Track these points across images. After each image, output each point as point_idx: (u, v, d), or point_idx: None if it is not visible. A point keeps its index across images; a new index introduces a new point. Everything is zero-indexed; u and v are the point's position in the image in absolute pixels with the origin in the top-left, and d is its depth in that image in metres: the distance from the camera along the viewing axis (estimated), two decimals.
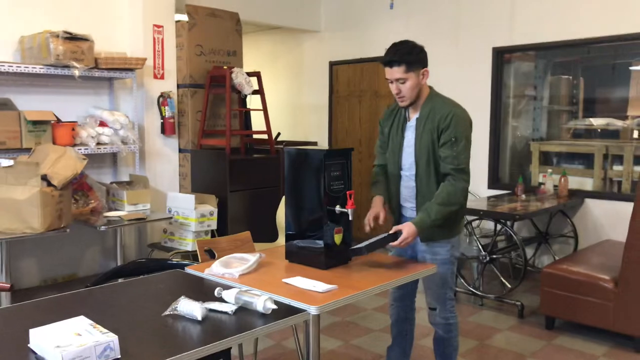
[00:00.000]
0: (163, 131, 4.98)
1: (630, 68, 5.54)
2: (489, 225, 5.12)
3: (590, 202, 4.93)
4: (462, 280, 4.57)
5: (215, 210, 4.58)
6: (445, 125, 2.55)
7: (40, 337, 1.62)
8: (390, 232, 2.52)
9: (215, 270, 2.39)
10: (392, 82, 2.59)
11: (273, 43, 7.31)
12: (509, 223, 4.53)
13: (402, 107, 2.67)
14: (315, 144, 6.85)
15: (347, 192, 2.48)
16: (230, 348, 2.47)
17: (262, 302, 1.95)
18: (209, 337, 1.77)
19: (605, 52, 5.41)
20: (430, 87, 2.70)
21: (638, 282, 3.46)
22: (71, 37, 4.10)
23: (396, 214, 2.81)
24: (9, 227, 3.47)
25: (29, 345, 1.65)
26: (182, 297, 1.97)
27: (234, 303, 1.99)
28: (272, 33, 7.08)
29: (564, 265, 3.93)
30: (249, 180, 4.98)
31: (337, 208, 2.48)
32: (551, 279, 3.86)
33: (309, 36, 6.91)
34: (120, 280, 2.52)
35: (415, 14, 5.85)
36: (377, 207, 2.72)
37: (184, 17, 5.13)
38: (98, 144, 4.38)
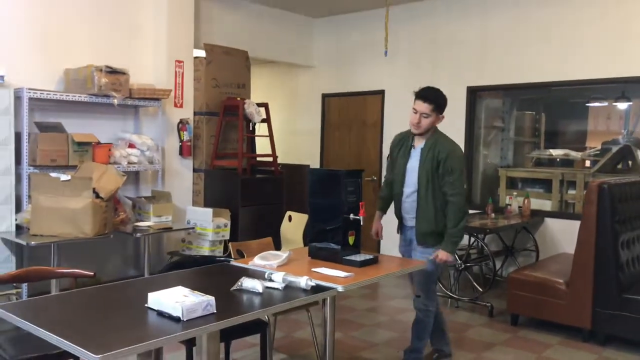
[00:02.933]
0: (181, 153, 5.65)
1: (587, 105, 6.45)
2: (463, 239, 5.90)
3: (549, 221, 5.76)
4: (441, 286, 5.31)
5: (229, 223, 5.25)
6: (442, 158, 3.32)
7: (156, 299, 2.28)
8: (431, 257, 3.37)
9: (257, 262, 3.08)
10: (415, 113, 3.34)
11: (271, 75, 8.07)
12: (481, 236, 5.30)
13: (414, 133, 3.41)
14: (307, 167, 7.57)
15: (360, 203, 3.21)
16: (267, 324, 3.17)
17: (304, 280, 2.65)
18: (268, 302, 2.47)
19: (564, 92, 6.32)
20: (435, 127, 3.46)
21: (584, 284, 4.24)
22: (111, 71, 4.78)
23: (399, 221, 3.59)
24: (64, 231, 4.09)
25: (145, 305, 2.31)
26: (244, 277, 2.66)
27: (281, 282, 2.69)
28: (270, 66, 7.84)
29: (527, 271, 4.71)
30: (256, 197, 5.68)
31: (352, 216, 3.21)
32: (516, 282, 4.63)
33: (303, 70, 7.70)
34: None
35: (400, 56, 6.68)
36: (377, 222, 3.64)
37: (201, 53, 5.86)
38: (129, 163, 5.03)
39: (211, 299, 2.26)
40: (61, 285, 4.31)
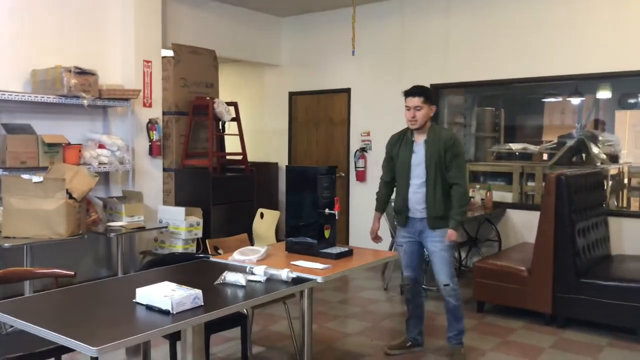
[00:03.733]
0: (151, 153, 5.67)
1: (544, 100, 6.75)
2: None
3: (510, 212, 6.02)
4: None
5: (201, 221, 5.31)
6: (449, 145, 3.57)
7: (144, 294, 2.36)
8: (446, 237, 3.60)
9: (237, 258, 3.17)
10: (409, 110, 3.57)
11: (237, 74, 8.12)
12: None
13: (413, 128, 3.61)
14: (276, 164, 7.68)
15: (335, 198, 3.34)
16: (247, 317, 3.26)
17: (285, 273, 2.76)
18: (252, 294, 2.57)
19: (522, 89, 6.59)
20: (430, 120, 3.67)
21: (544, 271, 4.48)
22: (81, 72, 4.77)
23: (403, 215, 3.71)
24: (38, 233, 4.08)
25: (134, 300, 2.38)
26: (226, 271, 2.75)
27: (263, 275, 2.79)
28: (237, 65, 7.89)
29: (491, 260, 4.94)
30: (227, 195, 5.75)
31: (327, 210, 3.33)
32: (481, 271, 4.84)
33: (270, 69, 7.78)
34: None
35: (365, 55, 6.83)
36: (375, 223, 3.82)
37: (169, 52, 5.88)
38: (99, 163, 5.03)
39: (199, 292, 2.35)
40: (34, 287, 4.31)
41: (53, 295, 2.63)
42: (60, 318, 2.25)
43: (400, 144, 3.74)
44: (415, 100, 3.57)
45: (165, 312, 2.24)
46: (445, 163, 3.60)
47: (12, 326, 4.25)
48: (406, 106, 3.60)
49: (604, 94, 6.23)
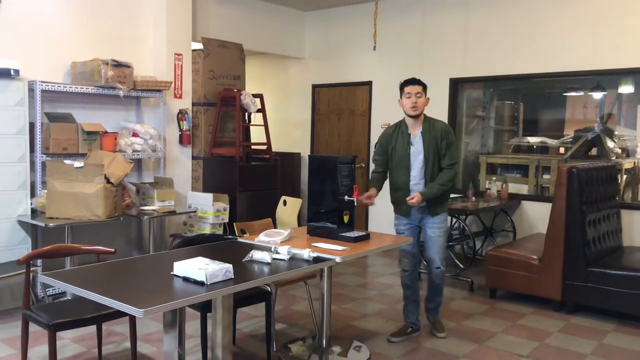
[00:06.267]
0: (181, 141, 5.97)
1: (565, 94, 6.87)
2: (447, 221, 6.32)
3: (525, 204, 6.19)
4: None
5: (228, 207, 5.60)
6: (445, 135, 3.82)
7: (181, 267, 2.64)
8: (407, 198, 3.76)
9: (262, 239, 3.44)
10: (410, 97, 3.81)
11: (262, 66, 8.38)
12: (462, 218, 5.71)
13: (414, 115, 3.83)
14: (299, 154, 7.94)
15: (354, 186, 3.59)
16: (271, 293, 3.53)
17: (307, 252, 3.03)
18: (276, 270, 2.84)
19: (542, 83, 6.72)
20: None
21: (555, 259, 4.67)
22: (117, 64, 5.07)
23: (405, 205, 3.88)
24: (78, 214, 4.41)
25: (171, 273, 2.66)
26: (253, 250, 3.03)
27: (287, 254, 3.05)
28: (262, 58, 8.15)
29: (504, 249, 5.13)
30: (253, 183, 6.03)
31: (346, 197, 3.58)
32: (494, 259, 5.05)
33: (294, 62, 8.03)
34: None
35: (386, 49, 7.04)
36: (371, 193, 3.92)
37: (199, 46, 6.16)
38: (133, 151, 5.34)
39: (229, 266, 2.62)
40: (73, 263, 4.65)
41: (99, 268, 2.94)
42: (108, 287, 2.54)
43: (396, 138, 3.94)
44: (417, 88, 3.82)
45: (200, 283, 2.51)
46: (442, 151, 3.85)
47: (53, 295, 4.61)
48: (407, 93, 3.83)
49: (627, 88, 6.32)
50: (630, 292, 4.32)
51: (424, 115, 3.93)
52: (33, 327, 3.08)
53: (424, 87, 3.86)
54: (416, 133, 3.89)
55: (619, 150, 6.26)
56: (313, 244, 3.33)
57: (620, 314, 4.46)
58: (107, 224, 4.95)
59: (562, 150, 6.88)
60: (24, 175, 4.61)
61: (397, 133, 3.95)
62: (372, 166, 7.14)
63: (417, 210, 3.93)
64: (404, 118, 3.97)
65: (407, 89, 3.84)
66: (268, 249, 3.12)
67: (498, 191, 6.20)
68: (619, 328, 4.32)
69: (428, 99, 3.90)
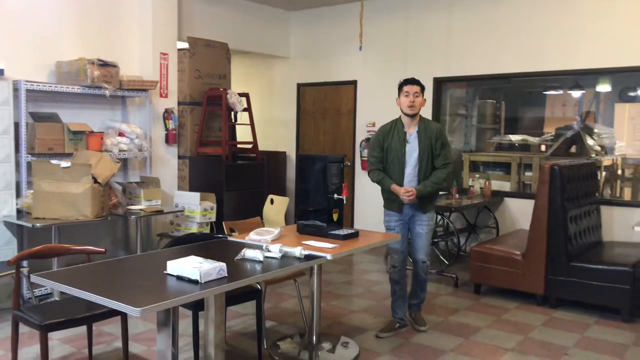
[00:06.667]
0: (167, 141, 5.96)
1: (545, 93, 7.00)
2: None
3: (508, 200, 6.31)
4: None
5: (215, 206, 5.61)
6: (440, 135, 3.93)
7: (175, 266, 2.66)
8: (403, 191, 3.87)
9: (253, 237, 3.48)
10: (408, 96, 3.90)
11: (248, 66, 8.39)
12: (446, 215, 5.80)
13: (411, 114, 3.91)
14: (284, 153, 7.97)
15: (342, 185, 3.64)
16: (261, 291, 3.57)
17: (298, 250, 3.07)
18: (269, 268, 2.88)
19: (523, 82, 6.85)
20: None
21: (538, 255, 4.78)
22: (103, 64, 5.06)
23: (397, 202, 3.99)
24: (65, 214, 4.39)
25: (164, 272, 2.69)
26: (245, 248, 3.06)
27: (278, 252, 3.09)
28: (247, 57, 8.16)
29: (488, 245, 5.23)
30: (239, 182, 6.05)
31: (335, 195, 3.63)
32: (478, 255, 5.14)
33: (279, 61, 8.05)
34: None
35: (371, 48, 7.10)
36: (399, 188, 3.94)
37: (184, 45, 6.16)
38: (119, 150, 5.33)
39: (223, 264, 2.65)
40: (59, 264, 4.63)
41: (90, 268, 2.94)
42: (102, 286, 2.56)
43: (392, 135, 4.01)
44: (415, 87, 3.92)
45: (194, 282, 2.54)
46: (436, 151, 3.95)
47: (42, 295, 4.58)
48: (405, 92, 3.92)
49: (604, 87, 6.47)
50: (611, 285, 4.44)
51: (420, 115, 4.02)
52: (21, 328, 3.08)
53: (422, 87, 3.97)
54: (412, 132, 3.97)
55: (599, 148, 6.41)
56: (303, 242, 3.37)
57: (601, 308, 4.58)
58: (93, 224, 4.94)
59: (543, 147, 7.02)
60: (9, 176, 4.57)
61: (393, 130, 4.02)
62: (359, 164, 7.16)
63: (409, 207, 4.00)
64: (400, 116, 4.04)
65: (405, 88, 3.93)
66: (259, 247, 3.15)
67: (481, 188, 6.30)
68: (599, 321, 4.44)
69: (425, 99, 4.00)
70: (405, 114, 3.96)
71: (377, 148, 4.07)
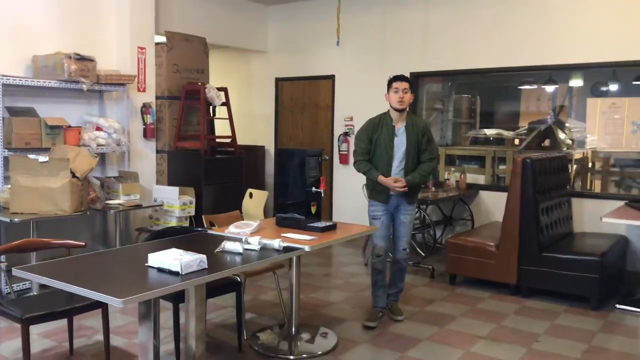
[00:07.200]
0: (145, 135, 5.96)
1: (520, 87, 7.15)
2: None
3: (483, 193, 6.45)
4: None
5: (194, 200, 5.64)
6: (425, 131, 4.10)
7: (156, 258, 2.70)
8: (392, 180, 3.99)
9: (232, 230, 3.53)
10: (397, 92, 4.01)
11: (225, 60, 8.39)
12: (423, 207, 5.92)
13: (400, 109, 4.02)
14: (263, 147, 8.01)
15: (320, 178, 3.71)
16: (241, 283, 3.63)
17: (277, 242, 3.14)
18: (248, 260, 2.93)
19: (499, 77, 6.99)
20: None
21: (511, 246, 4.91)
22: (80, 58, 5.04)
23: (384, 193, 4.10)
24: (44, 209, 4.39)
25: (146, 264, 2.73)
26: (225, 241, 3.11)
27: (257, 245, 3.15)
28: (225, 51, 8.16)
29: (463, 236, 5.36)
30: (218, 176, 6.09)
31: (313, 189, 3.70)
32: (453, 246, 5.26)
33: (257, 55, 8.08)
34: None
35: (350, 43, 7.16)
36: (386, 179, 4.04)
37: (162, 39, 6.15)
38: (97, 145, 5.32)
39: (203, 256, 2.71)
40: (38, 258, 4.62)
41: (71, 262, 2.96)
42: (84, 279, 2.58)
43: (380, 128, 4.11)
44: (404, 84, 4.04)
45: (175, 273, 2.59)
46: (422, 146, 4.09)
47: (20, 290, 4.57)
48: (395, 88, 4.03)
49: (577, 82, 6.65)
50: (580, 274, 4.59)
51: (409, 111, 4.15)
52: (1, 322, 3.09)
53: (411, 84, 4.10)
54: (400, 126, 4.08)
55: (570, 142, 6.59)
56: (282, 235, 3.44)
57: (571, 296, 4.74)
58: (71, 219, 4.93)
59: (517, 141, 7.18)
60: None
61: (382, 123, 4.11)
62: (337, 157, 7.22)
63: (396, 198, 4.11)
64: (388, 110, 4.14)
65: (395, 85, 4.04)
66: (239, 240, 3.21)
67: (457, 181, 6.43)
68: (569, 309, 4.59)
69: (412, 95, 4.12)
70: (395, 109, 4.06)
71: (365, 139, 4.14)
